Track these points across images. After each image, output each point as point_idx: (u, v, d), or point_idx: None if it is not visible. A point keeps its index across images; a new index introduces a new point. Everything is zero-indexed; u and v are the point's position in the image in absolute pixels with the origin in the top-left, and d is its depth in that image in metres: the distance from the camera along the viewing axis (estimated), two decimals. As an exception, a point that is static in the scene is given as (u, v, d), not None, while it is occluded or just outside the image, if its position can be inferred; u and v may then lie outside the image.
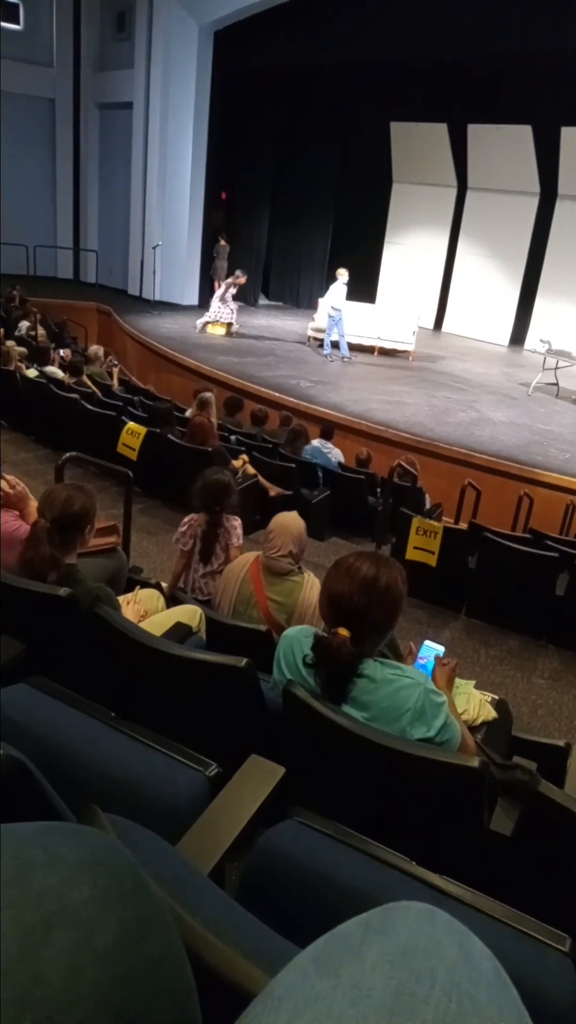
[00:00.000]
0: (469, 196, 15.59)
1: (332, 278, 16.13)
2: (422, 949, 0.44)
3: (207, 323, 13.30)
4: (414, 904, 0.51)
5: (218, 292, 13.43)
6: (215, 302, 13.32)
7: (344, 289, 12.19)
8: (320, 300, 13.54)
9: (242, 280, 13.21)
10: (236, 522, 3.47)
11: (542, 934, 1.02)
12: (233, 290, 13.18)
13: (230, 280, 13.23)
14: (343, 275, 12.30)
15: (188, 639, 2.39)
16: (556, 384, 11.43)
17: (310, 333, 13.36)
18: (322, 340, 13.01)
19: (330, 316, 12.30)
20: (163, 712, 1.84)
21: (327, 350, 12.47)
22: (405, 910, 0.50)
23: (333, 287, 12.31)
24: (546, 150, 13.82)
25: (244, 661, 1.76)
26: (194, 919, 0.63)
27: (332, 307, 12.24)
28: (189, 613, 2.61)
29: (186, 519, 3.52)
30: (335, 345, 12.48)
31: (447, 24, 11.23)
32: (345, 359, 12.34)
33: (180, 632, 2.34)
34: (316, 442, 7.26)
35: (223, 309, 13.25)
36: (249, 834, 1.13)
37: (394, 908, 0.50)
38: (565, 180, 14.01)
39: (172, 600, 3.16)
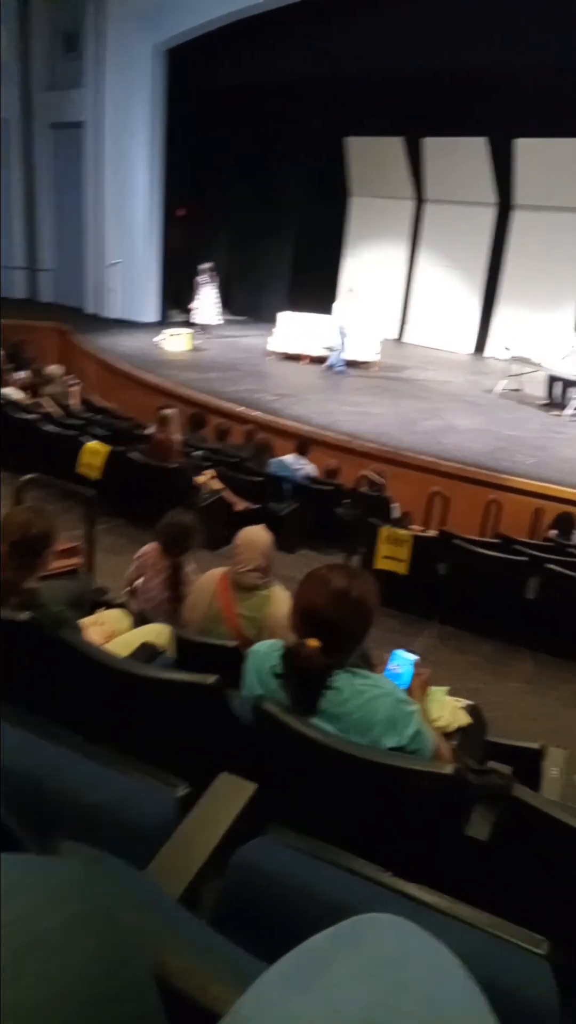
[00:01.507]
0: (427, 208, 15.81)
1: (296, 291, 16.34)
2: (394, 961, 0.44)
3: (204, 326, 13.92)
4: (384, 916, 0.51)
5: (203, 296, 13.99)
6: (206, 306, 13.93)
7: (352, 306, 12.29)
8: (279, 315, 13.61)
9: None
10: (191, 567, 3.43)
11: (520, 939, 1.01)
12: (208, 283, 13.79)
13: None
14: (350, 292, 12.41)
15: (156, 658, 2.36)
16: (520, 390, 11.60)
17: (271, 347, 13.40)
18: (284, 353, 13.10)
19: (341, 332, 12.38)
20: (132, 734, 1.80)
21: (333, 365, 12.53)
22: (375, 922, 0.49)
23: (340, 304, 12.42)
24: (501, 162, 14.08)
25: (213, 678, 1.74)
26: (164, 944, 0.61)
27: (340, 324, 12.36)
28: (156, 632, 2.58)
29: (140, 551, 3.47)
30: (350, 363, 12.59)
31: (401, 39, 11.45)
32: (339, 371, 12.46)
33: (147, 652, 2.30)
34: (290, 457, 7.25)
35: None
36: (222, 853, 1.11)
37: (364, 920, 0.49)
38: (521, 191, 14.28)
39: (140, 619, 3.13)
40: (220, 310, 14.33)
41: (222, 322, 14.53)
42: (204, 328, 14.23)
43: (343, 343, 12.37)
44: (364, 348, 13.11)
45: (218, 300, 14.40)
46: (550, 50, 10.41)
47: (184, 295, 14.87)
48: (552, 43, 10.30)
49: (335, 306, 12.59)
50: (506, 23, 10.42)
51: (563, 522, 6.59)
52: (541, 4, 10.08)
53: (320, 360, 13.04)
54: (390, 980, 0.42)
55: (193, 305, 14.28)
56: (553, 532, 6.56)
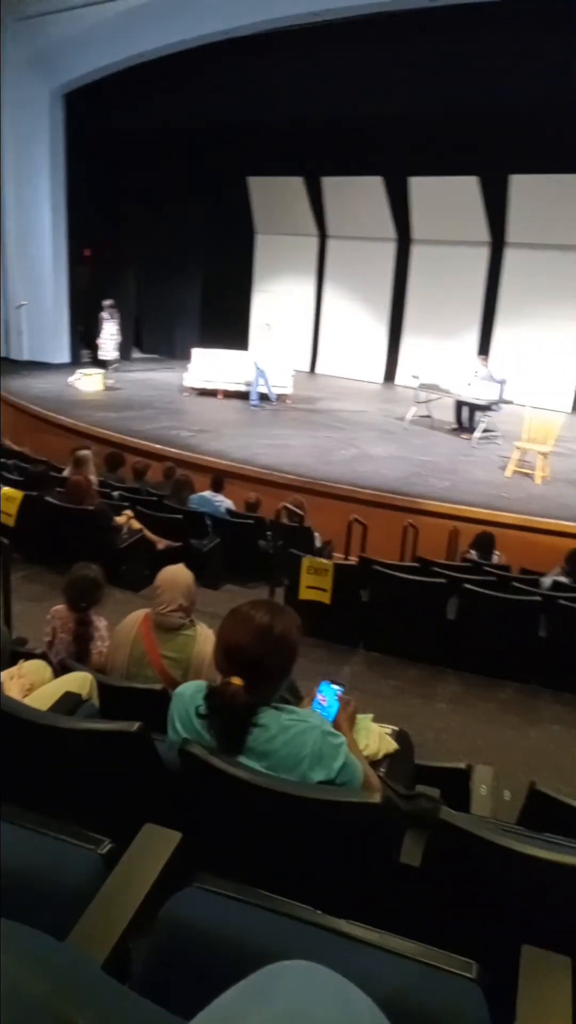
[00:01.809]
0: (330, 244, 16.27)
1: (207, 328, 16.48)
2: (301, 1009, 0.44)
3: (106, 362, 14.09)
4: (293, 963, 0.51)
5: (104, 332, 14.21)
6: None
7: (269, 341, 12.48)
8: (193, 351, 13.71)
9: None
10: (101, 623, 3.37)
11: (450, 964, 1.02)
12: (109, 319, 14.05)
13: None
14: (269, 327, 12.56)
15: (79, 708, 2.29)
16: (430, 416, 11.96)
17: (186, 383, 13.43)
18: (201, 389, 13.17)
19: (257, 368, 12.50)
20: (55, 791, 1.74)
21: (255, 401, 12.67)
22: (284, 971, 0.49)
23: (259, 339, 12.59)
24: (398, 198, 14.65)
25: (136, 725, 1.70)
26: (80, 1017, 0.59)
27: (259, 359, 12.54)
28: (79, 681, 2.51)
29: (52, 610, 3.40)
30: (263, 397, 12.70)
31: (295, 84, 11.86)
32: (272, 405, 12.61)
33: (69, 702, 2.24)
34: (207, 493, 7.24)
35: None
36: (149, 908, 1.08)
37: (274, 970, 0.49)
38: (418, 226, 14.87)
39: (62, 669, 3.04)
40: (117, 344, 14.54)
41: (116, 356, 14.68)
42: (107, 364, 14.28)
43: (262, 378, 12.50)
44: (277, 381, 13.29)
45: (119, 335, 14.56)
46: (440, 91, 10.98)
47: (94, 335, 14.80)
48: (442, 84, 10.88)
49: (252, 341, 12.77)
50: (394, 67, 10.96)
51: (481, 543, 6.79)
52: (432, 48, 10.63)
53: (236, 395, 13.14)
54: None
55: (98, 342, 14.43)
56: (472, 553, 6.74)
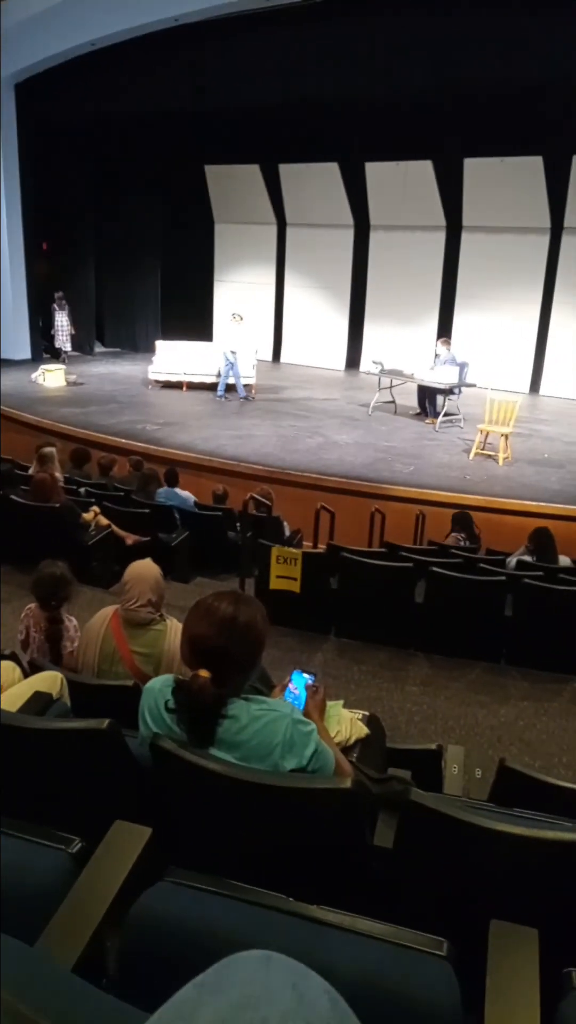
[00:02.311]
0: (289, 232, 16.21)
1: (169, 320, 16.34)
2: (255, 1000, 0.44)
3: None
4: (249, 954, 0.52)
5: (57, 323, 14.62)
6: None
7: (239, 331, 12.35)
8: (157, 343, 13.63)
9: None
10: (71, 623, 3.34)
11: (420, 943, 1.04)
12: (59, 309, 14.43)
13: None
14: (237, 317, 12.44)
15: (50, 708, 2.28)
16: (393, 402, 12.01)
17: (151, 376, 13.33)
18: (166, 381, 13.08)
19: (227, 359, 12.38)
20: (25, 792, 1.74)
21: (221, 392, 12.59)
22: (239, 962, 0.50)
23: (229, 329, 12.48)
24: (355, 185, 14.64)
25: (106, 722, 1.70)
26: (43, 1019, 0.60)
27: (230, 350, 12.36)
28: (49, 680, 2.49)
29: (26, 608, 3.37)
30: (231, 387, 12.59)
31: (250, 71, 11.77)
32: (242, 399, 12.46)
33: (39, 702, 2.22)
34: (163, 490, 7.20)
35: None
36: (121, 906, 1.09)
37: (229, 962, 0.50)
38: (375, 211, 14.88)
39: (34, 669, 3.01)
40: (70, 335, 15.02)
41: (69, 347, 15.15)
42: (60, 354, 14.36)
43: (232, 371, 12.43)
44: (242, 371, 13.24)
45: (70, 326, 14.99)
46: (393, 75, 10.98)
47: (48, 327, 14.80)
48: (395, 72, 10.89)
49: (222, 332, 12.68)
50: (351, 54, 10.93)
51: (461, 521, 6.84)
52: (383, 36, 10.62)
53: (201, 387, 13.08)
54: (250, 1021, 0.42)
55: (52, 332, 14.76)
56: (456, 535, 6.77)
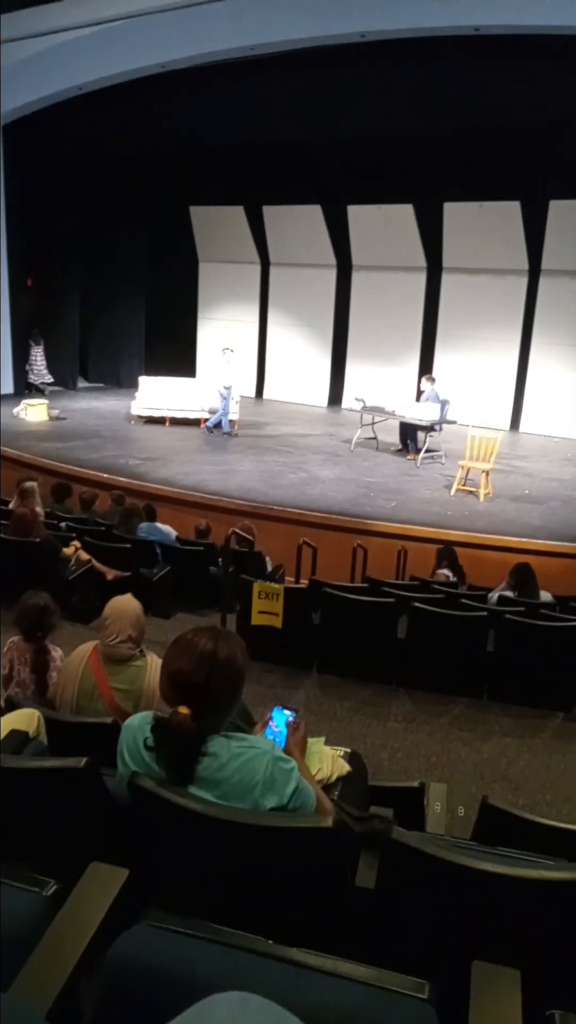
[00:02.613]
0: (272, 271, 16.45)
1: (152, 356, 16.46)
2: None
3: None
4: (227, 995, 0.51)
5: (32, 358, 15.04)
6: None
7: (230, 367, 12.51)
8: (140, 378, 13.74)
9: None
10: (57, 653, 3.31)
11: (402, 986, 1.02)
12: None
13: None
14: (228, 353, 12.58)
15: (27, 746, 2.24)
16: (375, 438, 12.11)
17: (134, 411, 13.38)
18: (149, 417, 13.15)
19: (221, 394, 12.54)
20: (0, 835, 1.70)
21: (212, 425, 12.80)
22: (216, 1004, 0.49)
23: (220, 364, 12.63)
24: (337, 226, 14.94)
25: (84, 761, 1.67)
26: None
27: (224, 386, 12.50)
28: (26, 718, 2.45)
29: (8, 642, 3.33)
30: (218, 425, 12.77)
31: (233, 114, 12.07)
32: (226, 435, 12.56)
33: (15, 741, 2.19)
34: (144, 525, 7.18)
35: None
36: (97, 949, 1.06)
37: (206, 1005, 0.49)
38: (357, 252, 15.16)
39: (11, 706, 2.97)
40: (43, 368, 15.62)
41: (51, 380, 15.73)
42: (34, 388, 14.55)
43: (226, 404, 12.53)
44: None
45: (43, 359, 15.60)
46: (375, 120, 11.31)
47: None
48: (377, 118, 11.23)
49: (214, 366, 12.83)
50: (334, 99, 11.25)
51: (448, 555, 6.87)
52: (366, 83, 10.96)
53: (184, 422, 13.15)
54: None
55: (26, 367, 15.21)
56: (443, 571, 6.78)
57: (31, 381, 15.49)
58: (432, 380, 11.80)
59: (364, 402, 12.03)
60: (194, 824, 1.53)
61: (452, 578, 6.68)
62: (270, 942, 1.08)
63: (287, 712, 2.10)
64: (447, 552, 6.94)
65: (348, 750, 2.46)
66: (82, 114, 13.12)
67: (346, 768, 2.31)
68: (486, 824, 2.39)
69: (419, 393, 11.86)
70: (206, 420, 13.17)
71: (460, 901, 1.46)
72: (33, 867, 1.24)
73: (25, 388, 15.49)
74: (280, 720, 2.10)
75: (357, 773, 2.38)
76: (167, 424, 13.20)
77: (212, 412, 13.03)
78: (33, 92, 13.10)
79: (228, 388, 12.50)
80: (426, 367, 14.43)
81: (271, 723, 2.10)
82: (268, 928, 1.22)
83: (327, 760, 2.27)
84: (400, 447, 11.96)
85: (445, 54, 10.20)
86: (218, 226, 16.22)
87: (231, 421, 12.77)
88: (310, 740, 2.21)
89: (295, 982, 1.01)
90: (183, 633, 1.79)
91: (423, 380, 11.99)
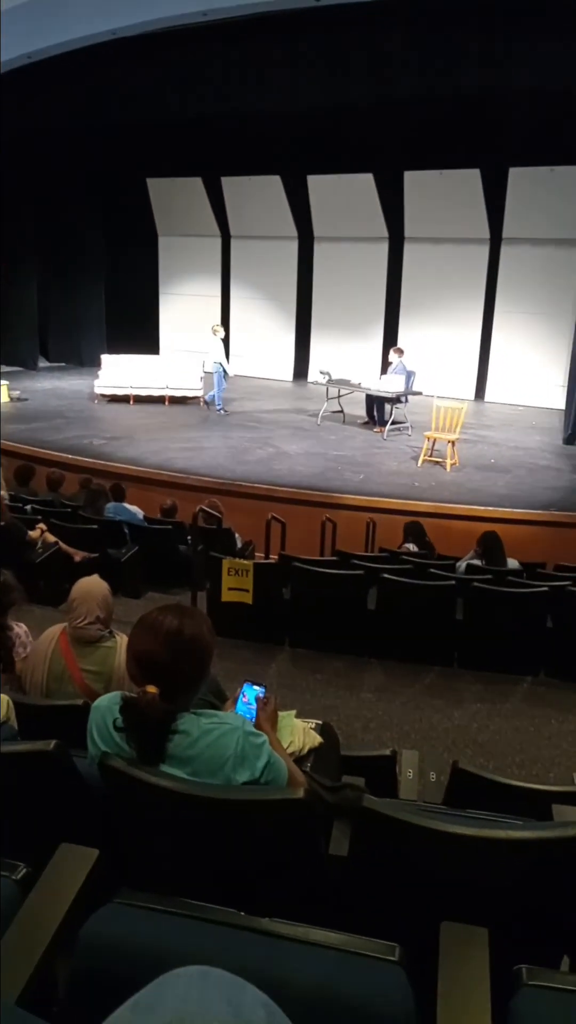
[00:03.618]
0: (233, 244, 16.26)
1: (114, 333, 16.22)
2: (189, 1016, 0.44)
3: None
4: (186, 970, 0.51)
5: None
6: None
7: (221, 345, 12.41)
8: (103, 357, 13.56)
9: None
10: (21, 628, 3.28)
11: (373, 950, 1.04)
12: None
13: None
14: (219, 331, 12.54)
15: (-4, 732, 2.22)
16: (341, 411, 12.11)
17: (97, 390, 13.20)
18: (112, 395, 13.00)
19: (215, 371, 12.42)
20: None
21: (220, 406, 12.64)
22: (175, 979, 0.49)
23: (211, 343, 12.47)
24: (297, 197, 14.78)
25: (53, 743, 1.66)
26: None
27: (215, 362, 12.38)
28: (-7, 703, 2.43)
29: None
30: (207, 403, 12.68)
31: (191, 83, 11.79)
32: (220, 412, 12.44)
33: (-16, 726, 2.17)
34: (111, 505, 7.12)
35: None
36: (69, 931, 1.06)
37: (165, 980, 0.49)
38: (319, 223, 15.04)
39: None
40: None
41: None
42: None
43: (219, 380, 12.43)
44: (189, 384, 13.27)
45: None
46: (333, 88, 11.13)
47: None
48: (335, 86, 11.03)
49: (207, 346, 12.71)
50: (290, 67, 11.04)
51: (414, 531, 6.91)
52: (323, 51, 10.76)
53: (148, 399, 13.02)
54: None
55: None
56: (409, 545, 6.82)
57: None
58: (400, 352, 11.79)
59: (329, 375, 12.00)
60: (166, 802, 1.53)
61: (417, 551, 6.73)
62: (241, 914, 1.09)
63: (257, 687, 2.11)
64: (413, 528, 6.98)
65: (319, 722, 2.48)
66: (31, 86, 12.72)
67: (317, 740, 2.33)
68: (457, 788, 2.44)
69: (386, 365, 11.86)
70: (104, 396, 13.15)
71: (430, 864, 1.48)
72: (2, 851, 1.23)
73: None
74: (251, 695, 2.11)
75: (329, 744, 2.40)
76: (131, 403, 13.06)
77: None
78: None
79: (219, 364, 12.39)
80: (390, 339, 14.43)
81: (242, 698, 2.11)
82: (243, 901, 1.23)
83: (298, 733, 2.28)
84: (366, 420, 11.98)
85: (399, 19, 10.05)
86: (177, 199, 15.96)
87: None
88: (281, 714, 2.23)
89: (267, 952, 1.02)
90: (147, 613, 1.78)
91: (391, 352, 11.98)
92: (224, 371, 12.52)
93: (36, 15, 11.48)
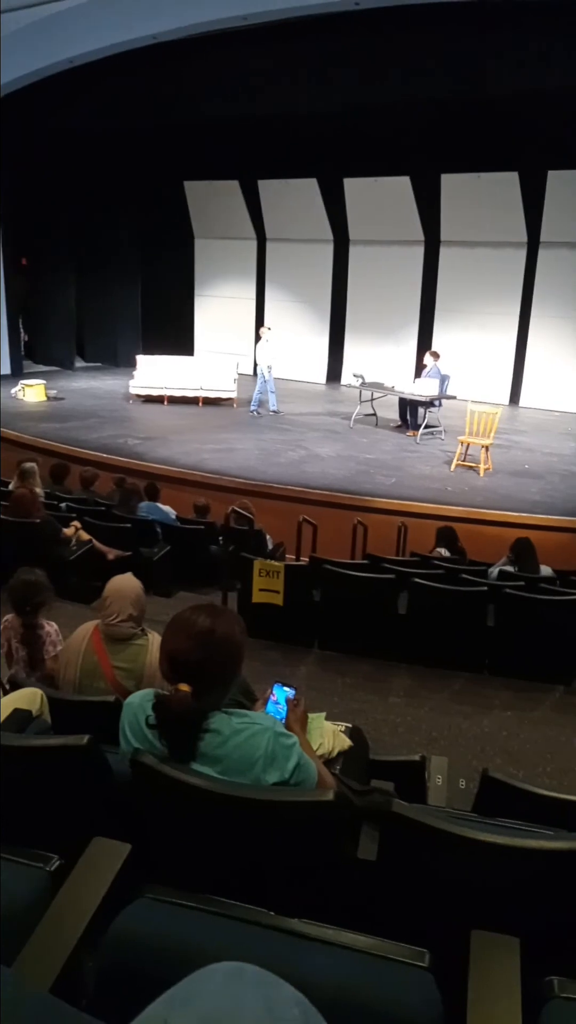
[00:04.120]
0: (269, 247, 16.31)
1: (149, 334, 16.35)
2: (224, 1012, 0.44)
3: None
4: (221, 966, 0.51)
5: None
6: None
7: (268, 345, 12.44)
8: (138, 357, 13.68)
9: None
10: (51, 627, 3.32)
11: (402, 955, 1.04)
12: None
13: None
14: (267, 332, 12.57)
15: (29, 725, 2.25)
16: (374, 415, 12.07)
17: (132, 390, 13.32)
18: (147, 396, 13.12)
19: (261, 375, 12.51)
20: (3, 810, 1.71)
21: (254, 407, 12.64)
22: (210, 975, 0.50)
23: (262, 345, 12.51)
24: (333, 200, 14.77)
25: (86, 739, 1.68)
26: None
27: (266, 365, 12.41)
28: (28, 697, 2.46)
29: (4, 618, 3.35)
30: (262, 403, 12.67)
31: (229, 87, 11.87)
32: (273, 412, 12.51)
33: (17, 720, 2.20)
34: (144, 504, 7.18)
35: None
36: (101, 923, 1.08)
37: (200, 975, 0.50)
38: (354, 226, 15.01)
39: (14, 686, 2.98)
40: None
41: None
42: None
43: (268, 383, 12.44)
44: (223, 385, 13.33)
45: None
46: (370, 95, 11.14)
47: (36, 345, 14.65)
48: (372, 89, 11.04)
49: (256, 348, 12.76)
50: (328, 70, 11.08)
51: (446, 536, 6.86)
52: (360, 53, 10.76)
53: (182, 400, 13.12)
54: None
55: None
56: (440, 550, 6.77)
57: None
58: (436, 356, 11.68)
59: (363, 378, 11.97)
60: (197, 800, 1.54)
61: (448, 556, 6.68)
62: (271, 913, 1.10)
63: (287, 689, 2.11)
64: (446, 533, 6.92)
65: (349, 725, 2.47)
66: (75, 89, 12.91)
67: (347, 743, 2.32)
68: (486, 796, 2.42)
69: (420, 368, 11.79)
70: (139, 396, 13.22)
71: (460, 872, 1.47)
72: (37, 843, 1.25)
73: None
74: (281, 696, 2.11)
75: (358, 748, 2.39)
76: (165, 403, 13.16)
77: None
78: (24, 66, 12.86)
79: (270, 368, 12.40)
80: (425, 342, 14.34)
81: (272, 698, 2.11)
82: (270, 901, 1.24)
83: (328, 735, 2.28)
84: (399, 423, 11.92)
85: (441, 22, 10.01)
86: (213, 201, 16.05)
87: (260, 401, 12.67)
88: (311, 716, 2.23)
89: (295, 952, 1.02)
90: (180, 612, 1.79)
91: (427, 355, 11.88)
92: (264, 375, 12.46)
93: (77, 20, 11.63)
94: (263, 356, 12.48)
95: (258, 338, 13.08)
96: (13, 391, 13.18)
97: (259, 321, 16.61)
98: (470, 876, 1.46)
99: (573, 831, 1.97)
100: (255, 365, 12.45)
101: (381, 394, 11.84)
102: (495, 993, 1.04)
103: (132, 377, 13.44)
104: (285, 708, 2.05)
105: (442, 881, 1.51)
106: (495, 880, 1.42)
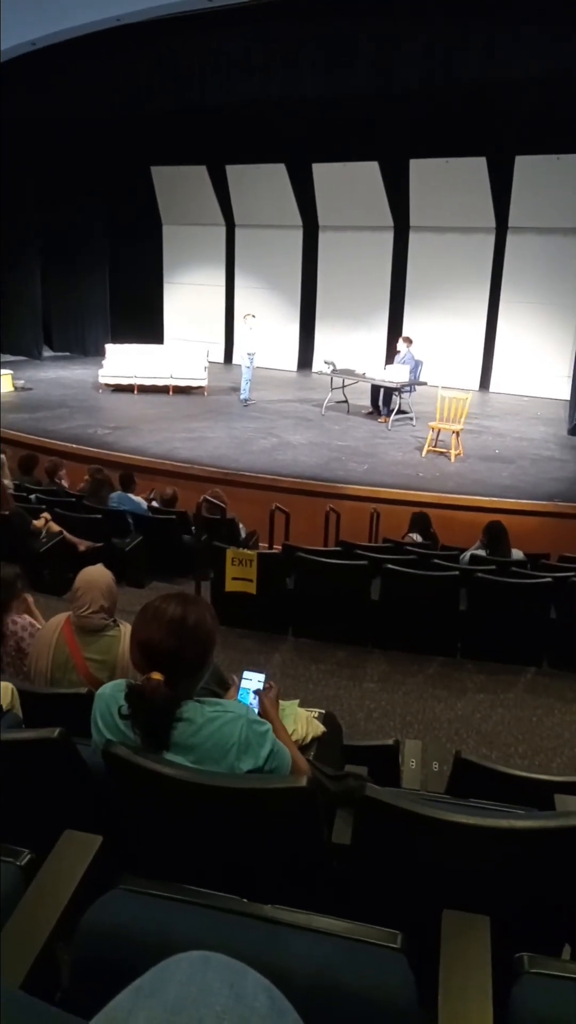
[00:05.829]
0: (238, 233, 16.19)
1: (118, 323, 16.17)
2: (191, 1001, 0.44)
3: None
4: (188, 955, 0.51)
5: None
6: None
7: (251, 333, 12.22)
8: (107, 346, 13.51)
9: None
10: (24, 620, 3.27)
11: (375, 937, 1.04)
12: None
13: None
14: (250, 319, 12.34)
15: (0, 720, 2.23)
16: (346, 401, 12.08)
17: (102, 380, 13.19)
18: (116, 385, 12.98)
19: (243, 364, 12.31)
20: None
21: (245, 396, 12.45)
22: (176, 964, 0.49)
23: (242, 332, 12.31)
24: (302, 186, 14.69)
25: (57, 731, 1.67)
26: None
27: (247, 352, 12.22)
28: (-2, 691, 2.44)
29: None
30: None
31: (196, 72, 11.72)
32: (246, 403, 12.34)
33: (-12, 714, 2.17)
34: (115, 495, 7.11)
35: None
36: (72, 916, 1.07)
37: (166, 965, 0.49)
38: (323, 212, 14.95)
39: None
40: None
41: None
42: None
43: (248, 372, 12.31)
44: (193, 373, 13.24)
45: None
46: (338, 80, 11.05)
47: (2, 335, 14.40)
48: (340, 74, 10.94)
49: (236, 335, 12.57)
50: (295, 55, 10.96)
51: (420, 523, 6.90)
52: (327, 38, 10.67)
53: (152, 389, 13.01)
54: (185, 1022, 0.42)
55: None
56: (413, 536, 6.81)
57: None
58: (409, 341, 11.68)
59: (334, 365, 11.96)
60: (170, 789, 1.53)
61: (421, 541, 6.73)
62: (244, 900, 1.10)
63: (258, 675, 2.12)
64: (419, 519, 6.97)
65: (323, 711, 2.48)
66: (36, 73, 12.65)
67: (321, 729, 2.34)
68: (460, 778, 2.45)
69: (392, 354, 11.79)
70: (108, 386, 13.00)
71: (433, 853, 1.49)
72: (8, 838, 1.23)
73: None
74: (252, 682, 2.12)
75: (332, 733, 2.41)
76: (135, 392, 13.05)
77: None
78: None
79: (251, 356, 12.28)
80: (395, 328, 14.37)
81: (244, 685, 2.11)
82: (246, 888, 1.24)
83: (302, 721, 2.29)
84: (371, 410, 11.94)
85: (411, 7, 9.97)
86: (181, 187, 15.88)
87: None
88: (285, 703, 2.23)
89: (271, 939, 1.02)
90: (150, 601, 1.78)
91: (400, 341, 11.88)
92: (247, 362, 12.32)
93: (39, 1, 11.39)
94: (248, 343, 12.35)
95: (230, 324, 12.93)
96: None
97: (229, 308, 16.52)
98: (443, 857, 1.47)
99: (543, 809, 2.01)
100: (233, 353, 12.20)
101: (352, 381, 11.85)
102: (466, 971, 1.05)
103: (101, 366, 13.30)
104: (256, 697, 2.05)
105: (415, 863, 1.52)
106: (467, 860, 1.44)
